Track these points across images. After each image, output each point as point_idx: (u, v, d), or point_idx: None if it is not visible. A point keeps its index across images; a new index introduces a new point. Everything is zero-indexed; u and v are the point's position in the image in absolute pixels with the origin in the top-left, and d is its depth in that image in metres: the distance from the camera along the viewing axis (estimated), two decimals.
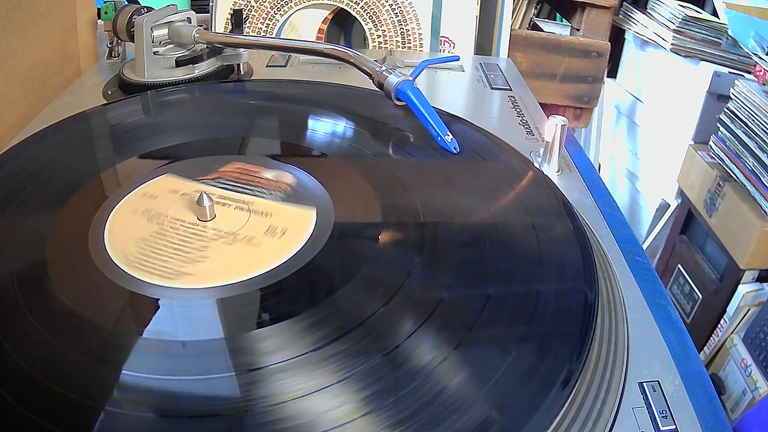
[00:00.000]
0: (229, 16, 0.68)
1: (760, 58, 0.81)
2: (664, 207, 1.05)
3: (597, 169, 1.21)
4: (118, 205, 0.35)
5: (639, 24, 1.08)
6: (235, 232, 0.33)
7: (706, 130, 0.92)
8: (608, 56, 0.78)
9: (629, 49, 1.16)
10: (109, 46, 0.61)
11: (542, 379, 0.24)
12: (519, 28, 0.85)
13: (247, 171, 0.38)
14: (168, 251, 0.31)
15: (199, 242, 0.32)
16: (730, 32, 0.92)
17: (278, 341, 0.26)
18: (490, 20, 0.71)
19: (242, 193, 0.36)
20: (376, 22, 0.68)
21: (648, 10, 1.07)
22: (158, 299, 0.28)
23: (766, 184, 0.75)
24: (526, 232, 0.33)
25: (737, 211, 0.79)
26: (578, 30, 0.81)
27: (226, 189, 0.36)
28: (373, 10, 0.67)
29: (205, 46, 0.53)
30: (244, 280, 0.29)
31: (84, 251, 0.31)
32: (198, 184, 0.37)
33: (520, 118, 0.51)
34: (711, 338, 0.84)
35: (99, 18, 0.61)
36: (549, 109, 0.79)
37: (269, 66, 0.61)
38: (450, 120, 0.44)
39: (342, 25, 0.77)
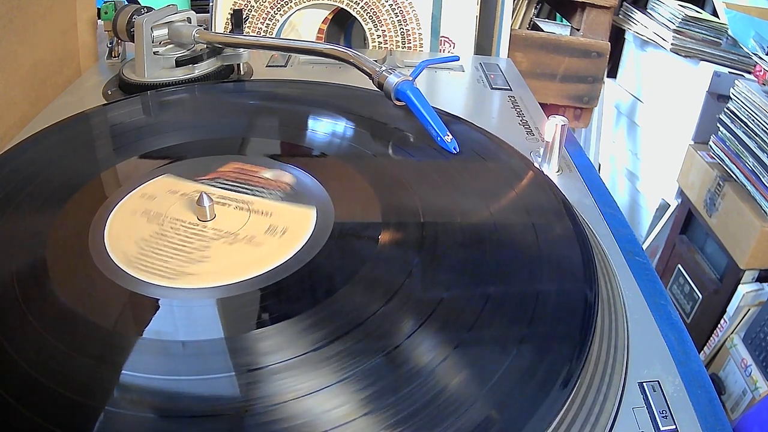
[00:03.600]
0: (229, 16, 0.68)
1: (760, 58, 0.81)
2: (664, 207, 1.05)
3: (597, 169, 1.21)
4: (118, 205, 0.35)
5: (639, 24, 1.08)
6: (236, 231, 0.33)
7: (706, 130, 0.92)
8: (608, 56, 0.78)
9: (629, 49, 1.16)
10: (109, 46, 0.61)
11: (542, 379, 0.24)
12: (519, 28, 0.85)
13: (245, 171, 0.38)
14: (169, 251, 0.31)
15: (199, 242, 0.32)
16: (730, 32, 0.91)
17: (278, 341, 0.26)
18: (490, 20, 0.71)
19: (242, 192, 0.36)
20: (376, 22, 0.68)
21: (648, 10, 1.07)
22: (158, 299, 0.28)
23: (766, 184, 0.75)
24: (526, 232, 0.33)
25: (737, 211, 0.79)
26: (578, 30, 0.81)
27: (225, 189, 0.36)
28: (373, 10, 0.67)
29: (205, 46, 0.53)
30: (244, 280, 0.29)
31: (84, 251, 0.31)
32: (197, 184, 0.37)
33: (520, 118, 0.51)
34: (711, 338, 0.84)
35: (99, 18, 0.61)
36: (549, 109, 0.79)
37: (269, 66, 0.61)
38: (450, 120, 0.44)
39: (342, 25, 0.77)
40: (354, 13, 0.68)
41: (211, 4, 0.68)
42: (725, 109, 0.84)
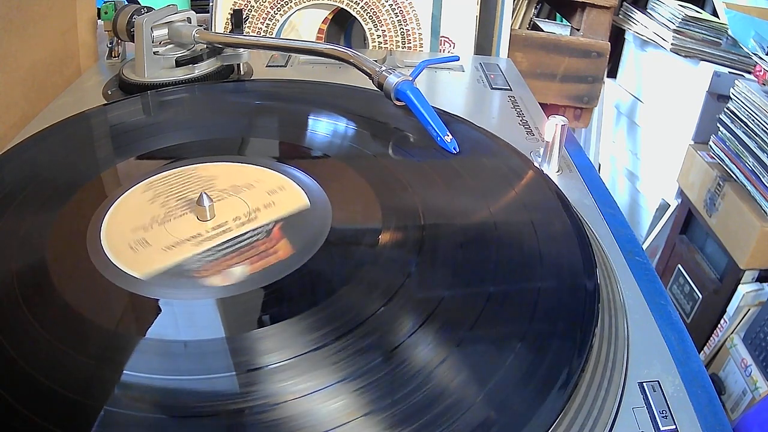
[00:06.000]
0: (229, 16, 0.68)
1: (760, 58, 0.81)
2: (664, 207, 1.05)
3: (597, 169, 1.21)
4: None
5: (639, 24, 1.08)
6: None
7: (706, 130, 0.92)
8: (608, 56, 0.78)
9: (629, 49, 1.16)
10: (109, 46, 0.61)
11: (542, 379, 0.24)
12: (519, 28, 0.85)
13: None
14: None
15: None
16: (730, 32, 0.91)
17: (279, 341, 0.26)
18: (490, 20, 0.71)
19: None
20: (376, 22, 0.68)
21: (648, 10, 1.07)
22: (158, 299, 0.28)
23: (766, 184, 0.75)
24: (526, 232, 0.33)
25: (737, 211, 0.79)
26: (578, 30, 0.81)
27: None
28: (373, 10, 0.67)
29: (205, 46, 0.53)
30: (244, 280, 0.29)
31: (83, 251, 0.31)
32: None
33: (520, 118, 0.51)
34: (711, 338, 0.84)
35: (99, 18, 0.61)
36: (549, 109, 0.79)
37: (269, 66, 0.61)
38: (450, 120, 0.44)
39: (342, 25, 0.77)
40: (354, 13, 0.68)
41: (211, 4, 0.68)
42: (725, 109, 0.84)
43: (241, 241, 0.32)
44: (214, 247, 0.32)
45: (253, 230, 0.33)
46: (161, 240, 0.32)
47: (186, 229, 0.33)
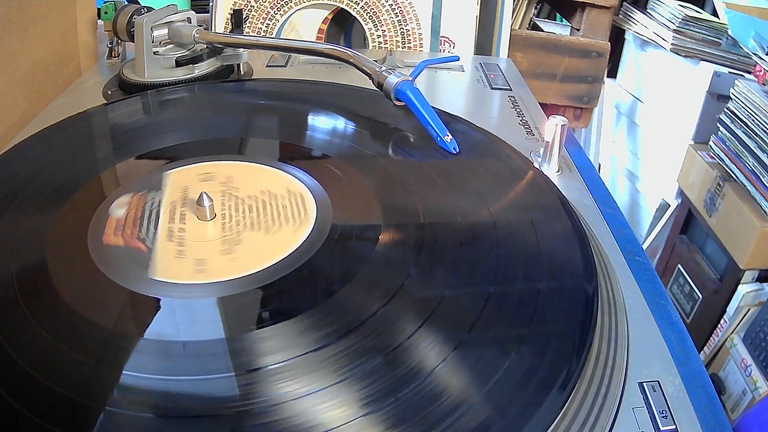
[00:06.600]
0: (229, 16, 0.68)
1: (760, 58, 0.81)
2: (664, 207, 1.05)
3: (597, 169, 1.21)
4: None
5: (639, 24, 1.08)
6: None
7: (706, 130, 0.92)
8: (608, 56, 0.78)
9: (629, 49, 1.16)
10: (109, 46, 0.61)
11: (542, 379, 0.24)
12: (519, 28, 0.85)
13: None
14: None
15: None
16: (730, 32, 0.92)
17: (278, 341, 0.26)
18: (490, 20, 0.71)
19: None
20: (376, 22, 0.68)
21: (648, 10, 1.07)
22: (158, 299, 0.28)
23: (766, 184, 0.75)
24: (525, 232, 0.33)
25: (737, 211, 0.79)
26: (578, 30, 0.81)
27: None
28: (373, 10, 0.67)
29: (205, 46, 0.53)
30: (243, 279, 0.29)
31: (84, 251, 0.31)
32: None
33: (520, 118, 0.51)
34: (711, 338, 0.84)
35: (99, 18, 0.61)
36: (549, 109, 0.79)
37: (269, 66, 0.61)
38: (450, 120, 0.44)
39: (342, 25, 0.77)
40: (354, 13, 0.68)
41: (211, 4, 0.68)
42: (725, 109, 0.84)
43: (155, 219, 0.34)
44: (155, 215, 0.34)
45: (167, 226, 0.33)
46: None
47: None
